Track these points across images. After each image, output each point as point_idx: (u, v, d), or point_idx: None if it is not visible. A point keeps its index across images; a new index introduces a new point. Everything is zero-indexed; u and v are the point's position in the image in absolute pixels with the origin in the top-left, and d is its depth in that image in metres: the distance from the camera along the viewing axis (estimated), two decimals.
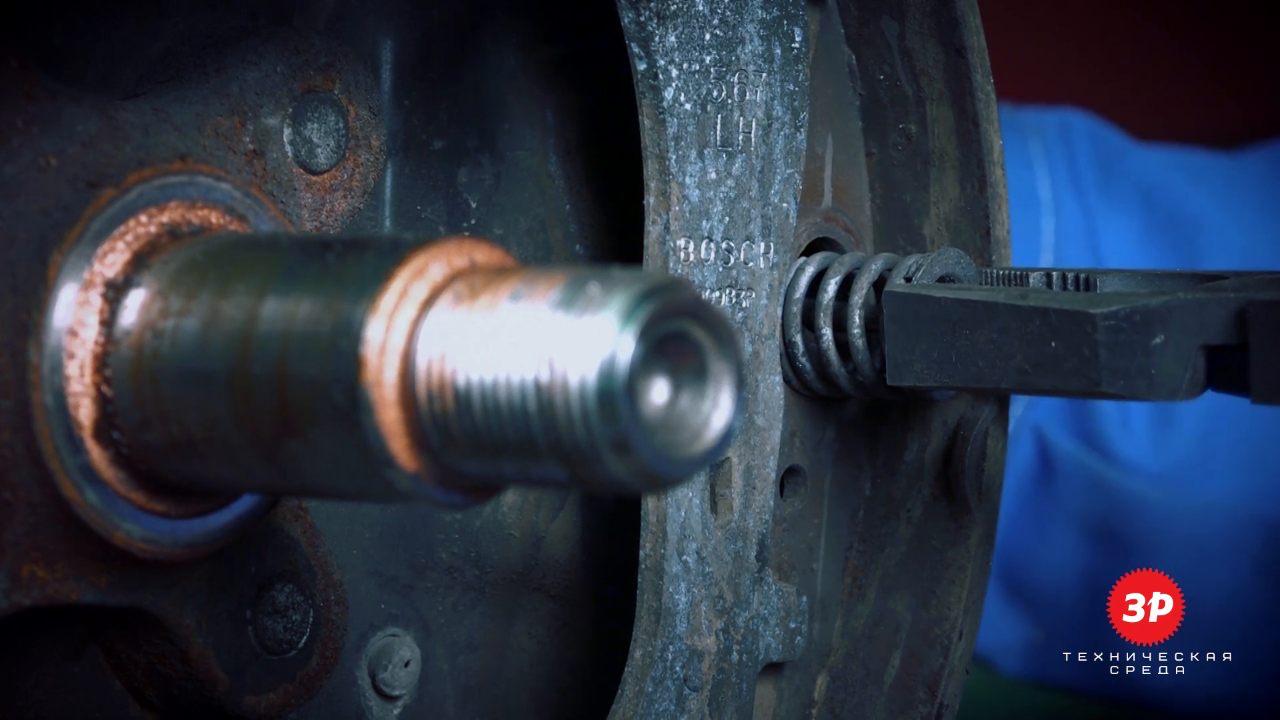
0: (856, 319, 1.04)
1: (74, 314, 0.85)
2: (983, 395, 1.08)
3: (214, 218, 0.90)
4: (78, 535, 0.87)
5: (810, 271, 1.06)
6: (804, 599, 1.06)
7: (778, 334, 1.04)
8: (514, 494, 1.10)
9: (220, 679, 0.95)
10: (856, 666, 1.11)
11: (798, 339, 1.05)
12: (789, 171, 1.04)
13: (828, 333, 1.04)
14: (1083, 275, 1.03)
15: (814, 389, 1.07)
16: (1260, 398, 0.92)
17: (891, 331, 1.01)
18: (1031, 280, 1.04)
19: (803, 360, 1.05)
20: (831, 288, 1.05)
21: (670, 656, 1.02)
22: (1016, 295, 0.97)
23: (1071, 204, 1.82)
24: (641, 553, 1.01)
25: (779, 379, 1.05)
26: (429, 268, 0.80)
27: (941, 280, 1.04)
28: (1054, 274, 1.04)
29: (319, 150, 0.98)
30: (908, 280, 1.03)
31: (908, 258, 1.04)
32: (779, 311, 1.04)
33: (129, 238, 0.87)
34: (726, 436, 0.78)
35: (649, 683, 1.01)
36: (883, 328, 1.01)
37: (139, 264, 0.87)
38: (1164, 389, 0.93)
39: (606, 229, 1.10)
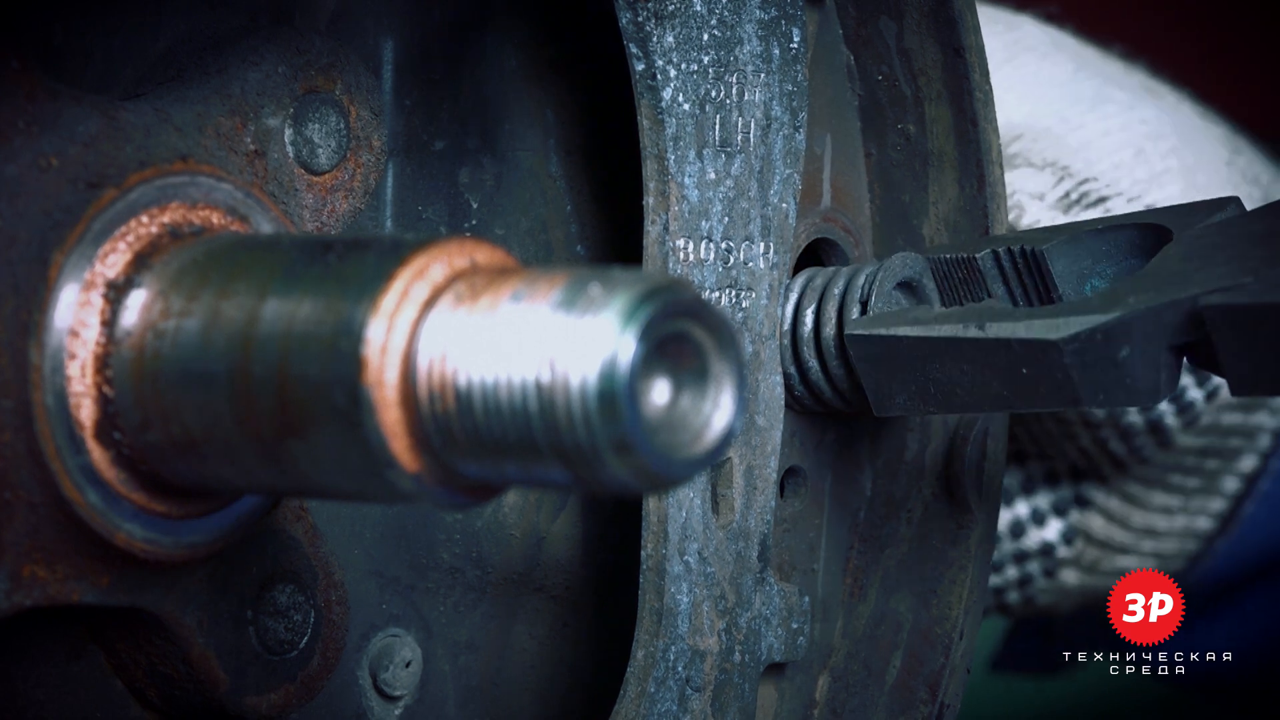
0: (832, 350, 1.03)
1: (75, 314, 0.85)
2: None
3: (215, 218, 0.90)
4: (79, 536, 0.87)
5: (793, 299, 1.05)
6: (806, 599, 1.06)
7: (778, 334, 1.04)
8: (515, 495, 1.10)
9: (221, 679, 0.95)
10: (858, 667, 1.11)
11: (792, 370, 1.04)
12: (788, 172, 1.04)
13: (814, 364, 1.04)
14: (1029, 248, 1.02)
15: (817, 411, 1.07)
16: (1239, 391, 0.93)
17: (865, 370, 1.01)
18: (978, 259, 1.03)
19: (800, 389, 1.05)
20: (809, 320, 1.04)
21: (672, 657, 1.02)
22: (974, 325, 0.96)
23: None
24: (643, 553, 1.01)
25: (779, 379, 1.05)
26: (430, 268, 0.80)
27: (900, 286, 1.03)
28: (1000, 251, 1.03)
29: (320, 151, 0.98)
30: (864, 303, 1.02)
31: (860, 273, 1.03)
32: (779, 311, 1.04)
33: (130, 238, 0.87)
34: (727, 437, 0.78)
35: (651, 683, 1.01)
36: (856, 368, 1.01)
37: (140, 264, 0.87)
38: (1144, 394, 0.94)
39: (608, 229, 1.10)
